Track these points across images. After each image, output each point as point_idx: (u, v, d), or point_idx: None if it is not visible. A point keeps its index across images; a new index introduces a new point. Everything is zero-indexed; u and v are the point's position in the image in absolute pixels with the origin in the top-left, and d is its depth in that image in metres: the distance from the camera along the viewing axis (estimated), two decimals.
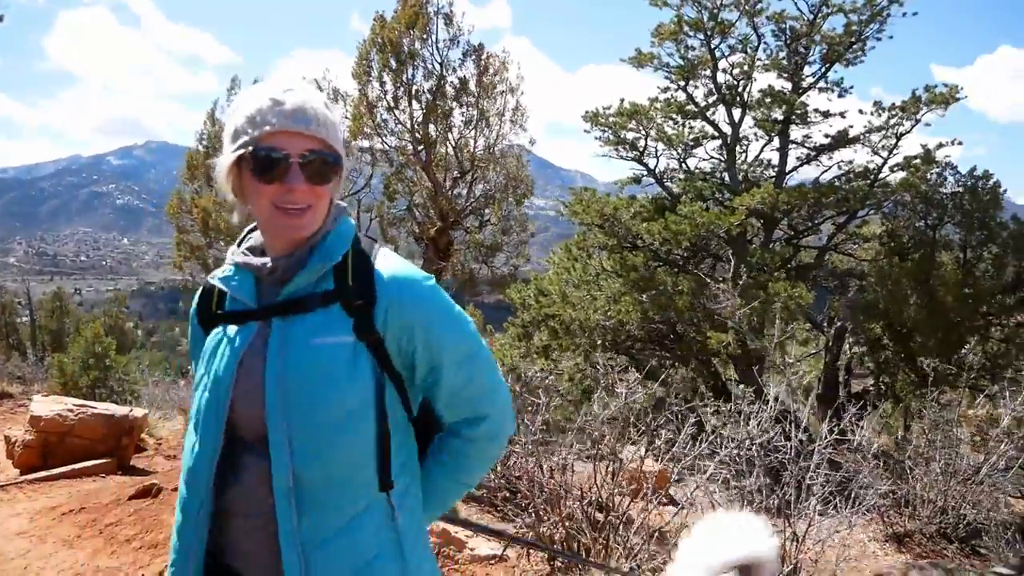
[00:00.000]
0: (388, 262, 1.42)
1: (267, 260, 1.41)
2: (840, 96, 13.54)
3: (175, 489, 5.72)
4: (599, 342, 13.43)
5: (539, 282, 14.45)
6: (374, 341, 1.36)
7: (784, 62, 13.39)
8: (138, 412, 8.18)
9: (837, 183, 12.89)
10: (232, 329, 1.41)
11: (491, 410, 1.46)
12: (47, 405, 8.11)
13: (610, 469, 4.83)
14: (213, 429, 1.36)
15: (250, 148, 1.32)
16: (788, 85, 13.50)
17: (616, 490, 4.79)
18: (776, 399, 5.91)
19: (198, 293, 1.52)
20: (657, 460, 5.20)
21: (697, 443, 5.14)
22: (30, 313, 29.52)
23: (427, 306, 1.40)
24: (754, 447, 5.38)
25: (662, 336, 14.13)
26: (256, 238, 1.48)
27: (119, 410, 8.05)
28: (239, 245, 1.49)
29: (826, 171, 13.58)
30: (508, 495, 5.37)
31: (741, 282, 8.22)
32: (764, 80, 14.54)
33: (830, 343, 13.64)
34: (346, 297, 1.37)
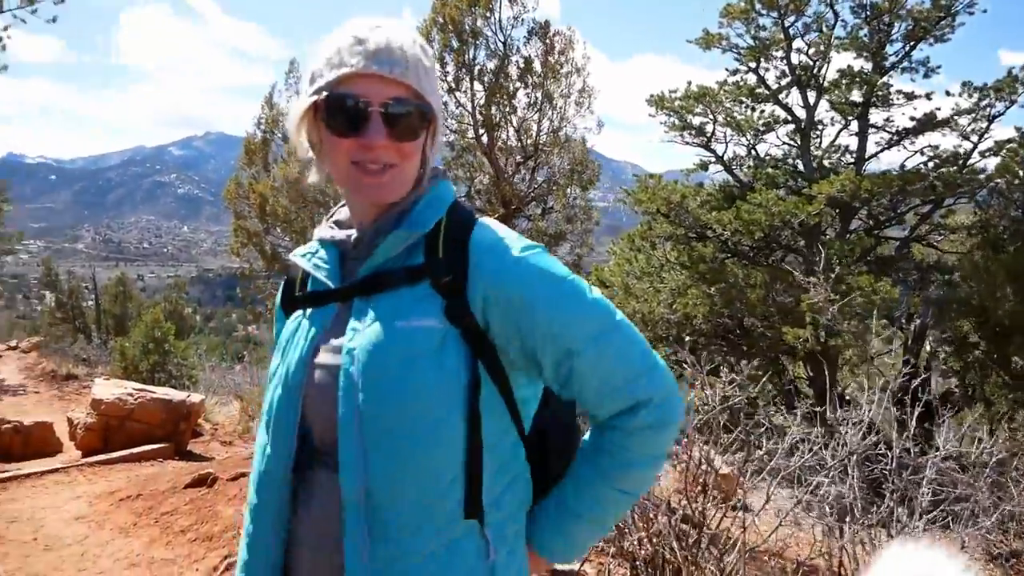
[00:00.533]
0: (486, 231, 1.18)
1: (352, 232, 1.22)
2: (926, 77, 12.66)
3: (231, 479, 5.58)
4: (663, 336, 12.90)
5: (599, 273, 13.97)
6: (469, 326, 1.13)
7: (864, 40, 12.56)
8: (195, 397, 8.23)
9: (923, 169, 12.03)
10: (310, 313, 1.22)
11: (653, 392, 1.15)
12: (108, 388, 8.33)
13: (701, 479, 4.38)
14: (285, 434, 1.17)
15: (324, 94, 1.11)
16: (868, 65, 12.67)
17: (708, 502, 4.34)
18: (871, 403, 5.37)
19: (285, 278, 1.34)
20: (737, 465, 4.73)
21: (773, 445, 4.70)
22: (95, 298, 30.38)
23: (533, 278, 1.13)
24: (853, 456, 4.86)
25: (727, 331, 13.51)
26: (345, 211, 1.27)
27: (177, 395, 8.18)
28: (328, 219, 1.29)
29: (910, 157, 12.72)
30: None
31: (834, 275, 7.62)
32: (841, 61, 13.71)
33: (909, 341, 12.84)
34: (435, 273, 1.14)
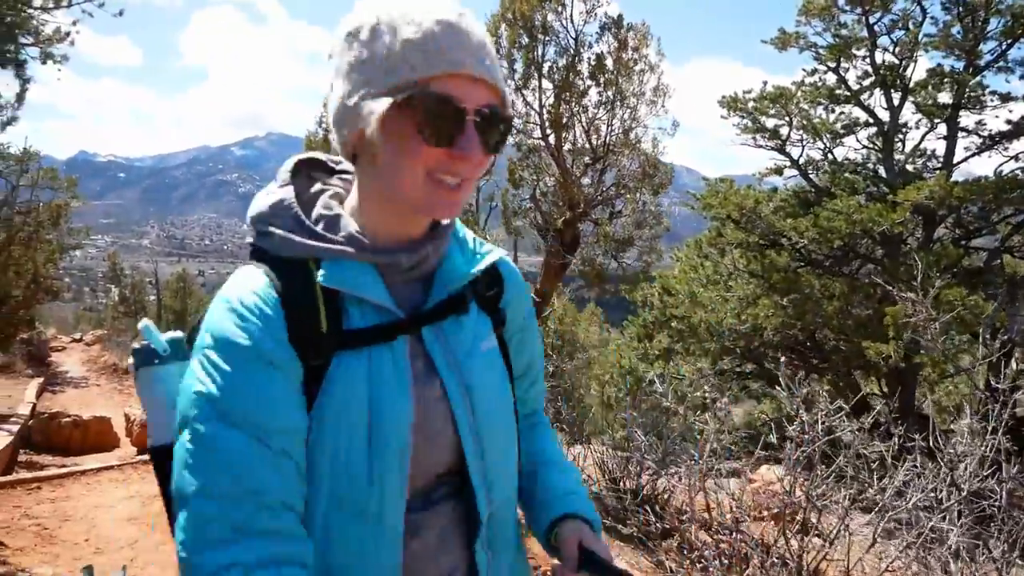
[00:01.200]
0: (479, 239, 1.19)
1: (403, 249, 1.05)
2: (1023, 77, 11.82)
3: None
4: (731, 347, 12.35)
5: (664, 280, 13.49)
6: (501, 338, 1.18)
7: (956, 38, 11.79)
8: None
9: (1020, 176, 11.21)
10: (372, 350, 1.01)
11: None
12: None
13: (800, 517, 3.94)
14: (401, 474, 1.00)
15: (419, 93, 0.92)
16: (959, 65, 11.90)
17: (808, 543, 3.89)
18: (974, 431, 4.87)
19: (244, 307, 0.98)
20: (841, 503, 4.27)
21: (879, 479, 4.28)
22: (156, 292, 31.09)
23: (525, 291, 1.25)
24: (962, 492, 4.37)
25: (798, 343, 12.86)
26: (348, 222, 1.06)
27: None
28: (298, 223, 1.05)
29: (1004, 163, 11.89)
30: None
31: (934, 288, 7.00)
32: (930, 60, 12.94)
33: (994, 359, 12.00)
34: (480, 289, 1.15)
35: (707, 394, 5.25)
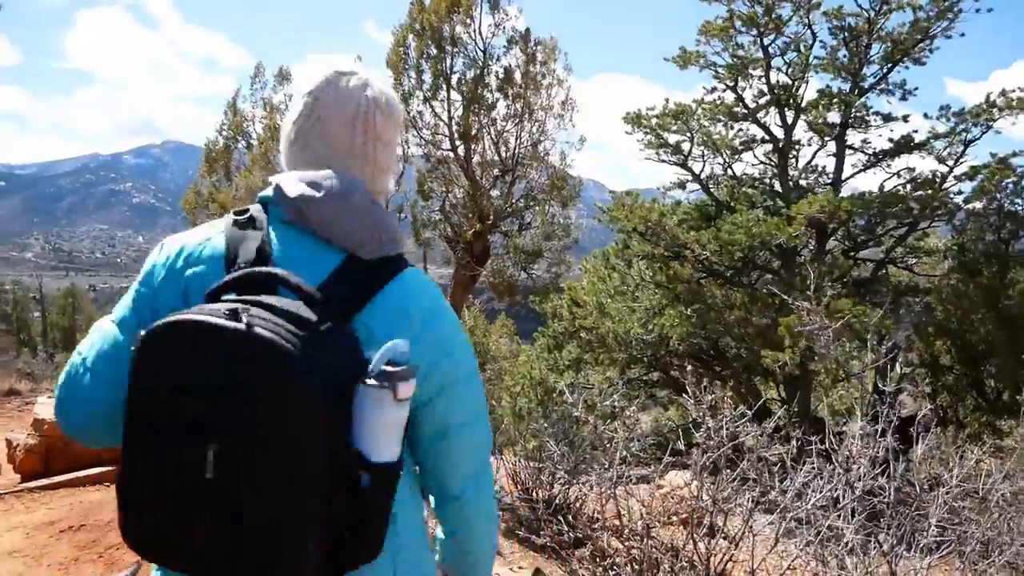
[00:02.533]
0: None
1: None
2: (902, 99, 12.62)
3: None
4: (638, 356, 12.61)
5: (573, 291, 13.65)
6: None
7: (843, 61, 12.51)
8: None
9: (901, 191, 11.95)
10: None
11: None
12: (52, 408, 7.79)
13: (707, 521, 4.02)
14: None
15: None
16: (846, 86, 12.62)
17: (715, 545, 3.98)
18: (866, 433, 5.10)
19: None
20: (745, 505, 4.41)
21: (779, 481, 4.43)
22: (42, 309, 29.10)
23: None
24: (857, 490, 4.58)
25: (701, 352, 13.27)
26: None
27: None
28: None
29: (887, 179, 12.65)
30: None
31: (827, 299, 7.37)
32: (819, 81, 13.67)
33: (881, 364, 12.73)
34: None
35: (616, 403, 5.34)
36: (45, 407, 7.92)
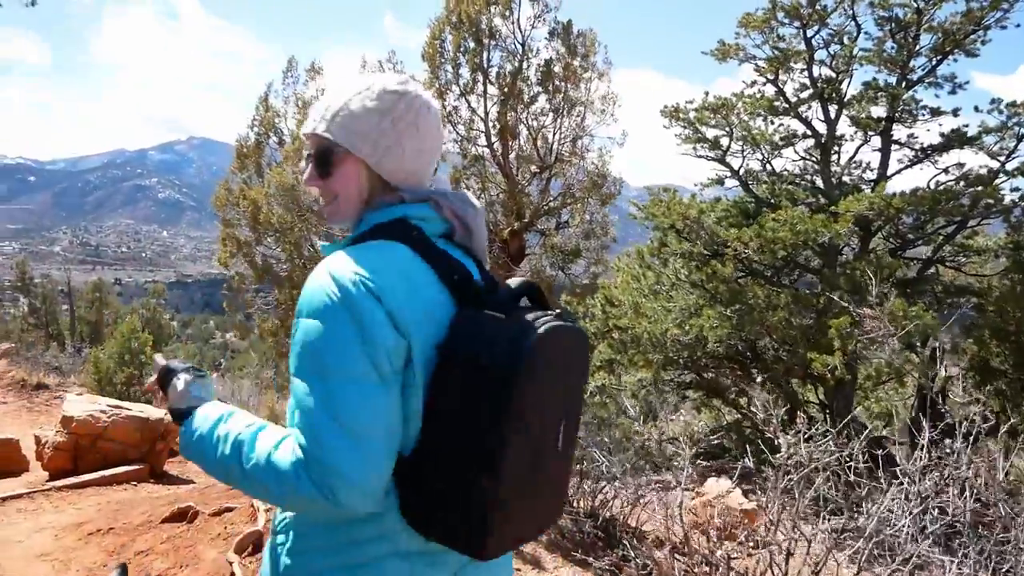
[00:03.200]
0: None
1: None
2: (952, 92, 12.15)
3: (213, 513, 4.82)
4: (674, 358, 12.27)
5: (606, 290, 13.33)
6: None
7: (890, 53, 12.05)
8: None
9: (954, 188, 11.48)
10: None
11: None
12: (80, 405, 7.74)
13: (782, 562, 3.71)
14: None
15: None
16: (892, 79, 12.16)
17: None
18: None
19: None
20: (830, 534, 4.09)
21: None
22: (70, 303, 29.23)
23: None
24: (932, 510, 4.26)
25: (738, 354, 12.89)
26: None
27: (154, 413, 7.58)
28: None
29: (935, 176, 12.18)
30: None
31: (890, 302, 7.01)
32: (864, 75, 13.23)
33: (925, 367, 12.28)
34: None
35: (662, 406, 5.07)
36: (73, 404, 7.80)
